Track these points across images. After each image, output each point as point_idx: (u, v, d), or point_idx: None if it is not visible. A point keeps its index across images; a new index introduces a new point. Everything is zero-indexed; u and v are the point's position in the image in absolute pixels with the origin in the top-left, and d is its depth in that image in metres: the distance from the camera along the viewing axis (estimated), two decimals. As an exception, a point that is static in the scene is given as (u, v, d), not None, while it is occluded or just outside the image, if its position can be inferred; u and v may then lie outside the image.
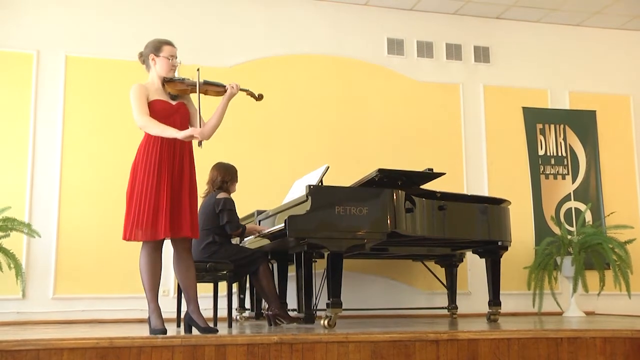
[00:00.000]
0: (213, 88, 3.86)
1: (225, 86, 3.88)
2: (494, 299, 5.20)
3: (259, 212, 5.38)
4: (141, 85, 3.77)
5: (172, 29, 6.48)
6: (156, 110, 3.71)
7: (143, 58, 3.88)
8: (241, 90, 3.92)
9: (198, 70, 3.83)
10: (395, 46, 7.09)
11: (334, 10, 7.02)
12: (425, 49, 7.16)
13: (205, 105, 3.84)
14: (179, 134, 3.63)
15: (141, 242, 3.71)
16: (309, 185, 4.25)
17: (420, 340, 3.55)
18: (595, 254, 6.22)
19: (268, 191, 6.09)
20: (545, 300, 6.29)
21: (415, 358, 3.51)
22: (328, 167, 4.68)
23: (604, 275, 6.13)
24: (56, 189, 6.07)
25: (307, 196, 4.22)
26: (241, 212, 5.42)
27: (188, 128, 3.73)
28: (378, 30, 7.09)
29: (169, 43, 3.85)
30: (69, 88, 6.25)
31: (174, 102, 3.80)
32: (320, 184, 4.54)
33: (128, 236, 3.64)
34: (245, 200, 5.74)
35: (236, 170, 4.99)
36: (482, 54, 7.29)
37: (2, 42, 6.18)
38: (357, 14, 7.06)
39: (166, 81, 3.80)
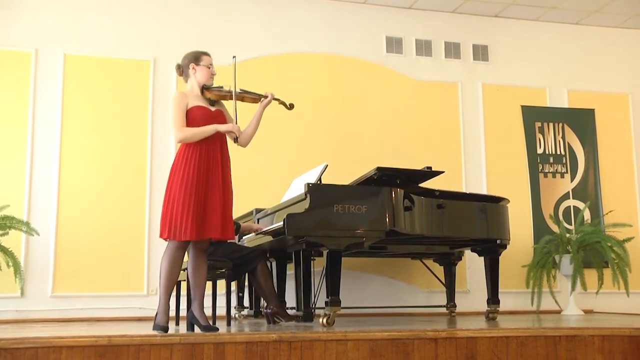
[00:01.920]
0: (249, 96, 4.08)
1: (260, 95, 4.09)
2: (493, 297, 5.21)
3: (258, 211, 5.38)
4: (182, 93, 3.94)
5: (170, 27, 6.50)
6: (196, 116, 3.85)
7: (182, 69, 4.06)
8: (274, 99, 4.12)
9: (234, 57, 4.06)
10: (394, 45, 7.09)
11: (332, 8, 7.01)
12: (424, 48, 7.16)
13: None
14: (220, 127, 3.85)
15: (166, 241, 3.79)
16: (308, 184, 4.25)
17: (419, 339, 3.55)
18: (594, 252, 6.22)
19: (266, 189, 6.09)
20: (544, 298, 6.28)
21: (414, 356, 3.52)
22: (327, 166, 4.68)
23: (603, 273, 6.13)
24: (55, 187, 6.06)
25: (305, 194, 4.23)
26: (240, 210, 5.43)
27: (225, 136, 3.95)
28: (377, 29, 7.09)
29: (207, 53, 4.07)
30: (67, 86, 6.24)
31: (213, 109, 3.95)
32: (319, 182, 4.55)
33: (167, 235, 3.72)
34: (244, 199, 5.73)
35: None
36: (480, 53, 7.29)
37: (1, 41, 6.17)
38: (356, 13, 7.05)
39: (206, 88, 3.97)
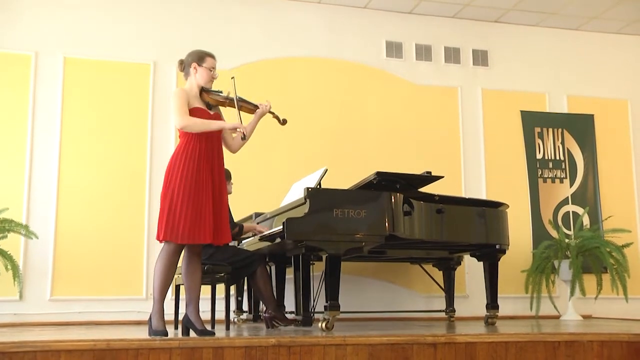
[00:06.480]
0: (246, 105, 4.02)
1: (257, 105, 4.04)
2: (492, 302, 5.21)
3: (257, 215, 5.38)
4: (183, 89, 3.88)
5: (169, 31, 6.50)
6: (196, 117, 3.79)
7: (184, 65, 3.99)
8: (269, 112, 4.07)
9: (233, 78, 3.96)
10: (394, 49, 7.09)
11: (332, 12, 7.02)
12: (423, 52, 7.17)
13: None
14: (227, 124, 3.83)
15: (162, 243, 3.74)
16: (308, 188, 4.25)
17: (418, 343, 3.54)
18: (593, 257, 6.23)
19: (266, 194, 6.09)
20: (543, 303, 6.29)
21: (413, 361, 3.51)
22: (326, 170, 4.68)
23: (602, 278, 6.14)
24: (54, 190, 6.05)
25: (305, 199, 4.22)
26: (239, 214, 5.44)
27: (221, 140, 3.92)
28: (377, 33, 7.10)
29: (212, 55, 3.98)
30: (67, 90, 6.24)
31: (211, 112, 3.91)
32: (318, 186, 4.54)
33: (163, 237, 3.67)
34: (244, 203, 5.74)
35: (228, 172, 4.95)
36: (480, 58, 7.30)
37: (0, 44, 6.17)
38: (356, 17, 7.06)
39: (205, 91, 3.92)
